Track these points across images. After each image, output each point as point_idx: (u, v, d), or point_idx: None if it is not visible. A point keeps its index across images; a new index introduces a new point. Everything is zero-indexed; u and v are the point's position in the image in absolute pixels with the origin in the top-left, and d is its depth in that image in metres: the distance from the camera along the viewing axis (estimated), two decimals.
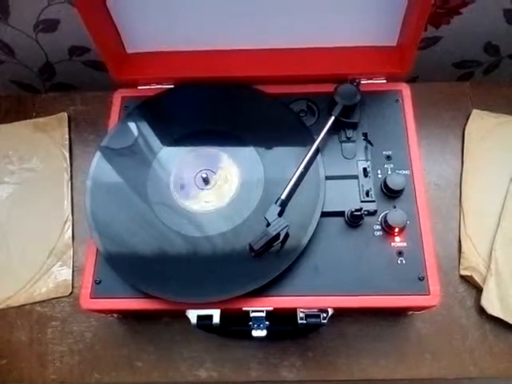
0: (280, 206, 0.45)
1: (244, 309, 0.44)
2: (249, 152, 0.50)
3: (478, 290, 0.52)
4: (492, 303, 0.50)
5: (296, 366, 0.50)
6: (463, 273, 0.52)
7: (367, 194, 0.48)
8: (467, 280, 0.53)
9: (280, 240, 0.44)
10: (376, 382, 0.50)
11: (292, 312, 0.44)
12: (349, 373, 0.50)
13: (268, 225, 0.44)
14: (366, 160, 0.49)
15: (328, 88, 0.52)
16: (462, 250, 0.53)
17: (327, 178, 0.48)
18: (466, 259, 0.53)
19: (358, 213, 0.45)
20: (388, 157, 0.50)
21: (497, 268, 0.51)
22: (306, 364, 0.50)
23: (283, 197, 0.45)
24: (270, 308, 0.44)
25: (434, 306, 0.44)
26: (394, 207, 0.47)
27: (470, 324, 0.51)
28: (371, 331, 0.51)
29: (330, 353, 0.50)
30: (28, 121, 0.64)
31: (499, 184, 0.56)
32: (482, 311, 0.51)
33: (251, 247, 0.43)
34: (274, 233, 0.43)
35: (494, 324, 0.50)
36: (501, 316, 0.50)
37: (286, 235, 0.44)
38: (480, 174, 0.57)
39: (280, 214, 0.44)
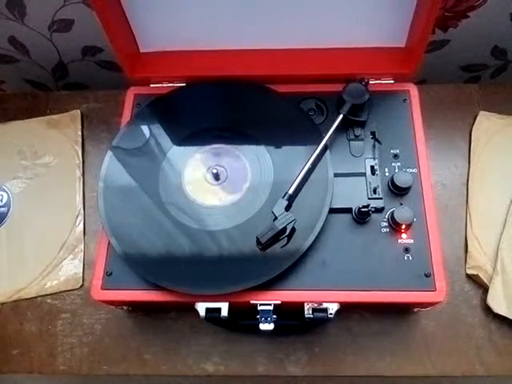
0: (287, 200, 0.45)
1: (252, 302, 0.45)
2: (258, 149, 0.51)
3: (484, 288, 0.52)
4: (498, 302, 0.50)
5: (302, 361, 0.51)
6: (469, 272, 0.53)
7: (374, 192, 0.48)
8: (473, 279, 0.53)
9: (286, 234, 0.44)
10: (382, 379, 0.51)
11: (299, 307, 0.45)
12: (355, 369, 0.50)
13: (275, 219, 0.44)
14: (374, 158, 0.50)
15: (337, 88, 0.52)
16: (469, 249, 0.54)
17: (335, 175, 0.48)
18: (473, 258, 0.53)
19: (366, 209, 0.46)
20: (395, 155, 0.51)
21: (503, 267, 0.52)
22: (312, 359, 0.51)
23: (290, 192, 0.46)
24: (278, 301, 0.45)
25: (440, 302, 0.44)
26: (401, 204, 0.48)
27: (476, 322, 0.51)
28: (377, 328, 0.51)
29: (336, 349, 0.51)
30: (42, 118, 0.66)
31: (505, 184, 0.57)
32: (487, 310, 0.51)
33: (258, 240, 0.44)
34: (281, 226, 0.44)
35: (500, 322, 0.51)
36: (507, 315, 0.50)
37: (293, 229, 0.45)
38: (486, 175, 0.57)
39: (287, 209, 0.45)
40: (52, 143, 0.64)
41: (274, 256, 0.45)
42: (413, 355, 0.50)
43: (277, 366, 0.51)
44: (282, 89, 0.54)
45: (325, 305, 0.45)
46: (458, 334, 0.51)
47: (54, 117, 0.66)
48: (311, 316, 0.44)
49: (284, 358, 0.51)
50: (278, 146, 0.51)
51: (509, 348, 0.50)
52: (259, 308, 0.45)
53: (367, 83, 0.52)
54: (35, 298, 0.55)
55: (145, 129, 0.54)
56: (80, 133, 0.64)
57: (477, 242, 0.54)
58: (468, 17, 0.64)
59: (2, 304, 0.55)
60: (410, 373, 0.50)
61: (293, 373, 0.50)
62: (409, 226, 0.46)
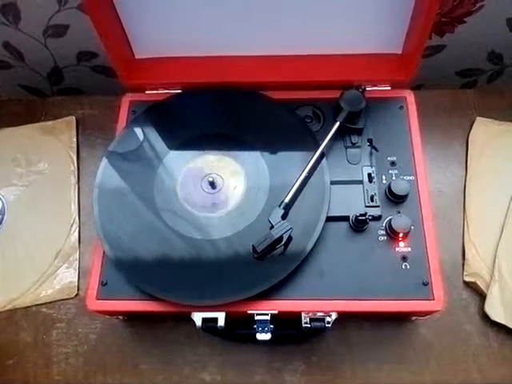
0: (283, 209, 0.45)
1: (249, 312, 0.44)
2: (255, 157, 0.51)
3: (482, 296, 0.52)
4: (496, 309, 0.50)
5: (300, 370, 0.50)
6: (467, 279, 0.53)
7: (372, 199, 0.48)
8: (471, 286, 0.53)
9: (283, 243, 0.44)
10: None
11: (296, 316, 0.45)
12: (352, 378, 0.50)
13: (271, 227, 0.44)
14: (371, 165, 0.50)
15: (333, 94, 0.52)
16: (466, 256, 0.54)
17: (332, 182, 0.48)
18: (470, 265, 0.53)
19: (363, 217, 0.46)
20: (392, 163, 0.50)
21: (500, 274, 0.51)
22: (309, 368, 0.50)
23: (287, 200, 0.46)
24: (275, 311, 0.44)
25: (438, 310, 0.44)
26: (399, 212, 0.48)
27: (474, 330, 0.51)
28: (375, 336, 0.51)
29: (333, 357, 0.50)
30: (36, 124, 0.65)
31: (503, 191, 0.56)
32: (485, 317, 0.51)
33: (254, 249, 0.44)
34: (277, 235, 0.43)
35: (498, 330, 0.50)
36: (504, 322, 0.50)
37: (289, 238, 0.44)
38: (484, 181, 0.57)
39: (283, 217, 0.45)
40: (47, 150, 0.63)
41: (270, 265, 0.44)
42: (410, 363, 0.50)
43: (274, 376, 0.50)
44: (278, 95, 0.54)
45: (322, 314, 0.44)
46: (455, 341, 0.51)
47: (49, 123, 0.65)
48: (308, 325, 0.44)
49: (281, 367, 0.50)
50: (274, 154, 0.51)
51: (507, 356, 0.50)
52: (256, 318, 0.44)
53: (364, 90, 0.51)
54: (30, 307, 0.54)
55: (140, 135, 0.53)
56: (75, 139, 0.64)
57: (474, 249, 0.54)
58: (464, 22, 0.64)
59: None
60: (408, 381, 0.49)
61: (290, 382, 0.50)
62: (406, 234, 0.46)
